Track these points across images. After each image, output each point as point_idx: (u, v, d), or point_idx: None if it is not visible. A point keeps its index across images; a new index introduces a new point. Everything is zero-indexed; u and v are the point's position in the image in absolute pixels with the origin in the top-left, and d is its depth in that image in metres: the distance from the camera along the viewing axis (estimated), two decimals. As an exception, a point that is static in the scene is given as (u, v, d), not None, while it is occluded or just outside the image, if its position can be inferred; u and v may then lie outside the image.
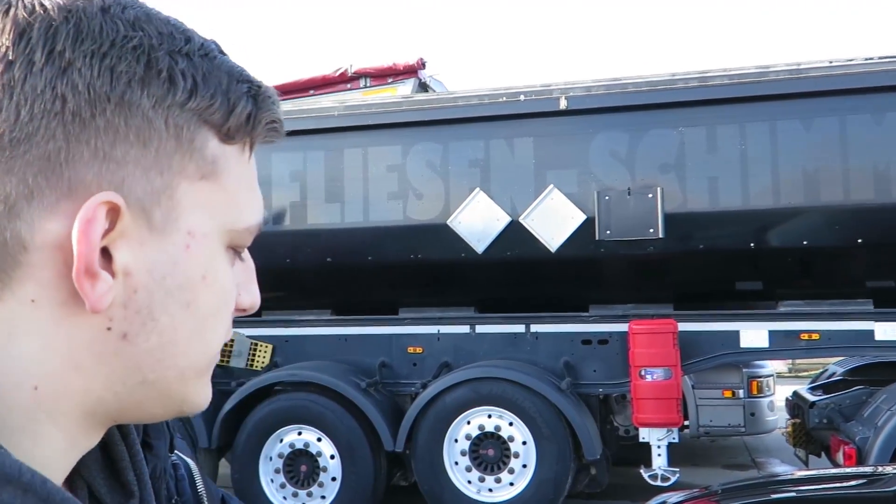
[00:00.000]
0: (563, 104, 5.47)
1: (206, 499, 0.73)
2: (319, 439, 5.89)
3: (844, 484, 3.53)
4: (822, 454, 5.81)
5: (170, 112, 0.55)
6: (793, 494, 3.52)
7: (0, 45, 0.52)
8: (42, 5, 0.53)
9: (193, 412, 0.62)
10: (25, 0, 0.53)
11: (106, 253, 0.53)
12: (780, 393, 7.15)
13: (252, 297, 0.64)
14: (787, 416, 6.47)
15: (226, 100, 0.57)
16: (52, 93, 0.52)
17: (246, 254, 0.64)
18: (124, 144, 0.53)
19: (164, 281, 0.56)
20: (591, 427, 5.57)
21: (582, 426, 5.48)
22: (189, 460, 0.76)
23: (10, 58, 0.52)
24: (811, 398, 5.86)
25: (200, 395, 0.62)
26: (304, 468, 5.90)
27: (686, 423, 6.50)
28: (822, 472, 4.40)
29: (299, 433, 5.94)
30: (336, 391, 5.85)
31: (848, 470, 4.68)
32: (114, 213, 0.53)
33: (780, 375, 7.45)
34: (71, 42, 0.52)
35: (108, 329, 0.55)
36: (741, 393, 6.54)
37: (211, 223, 0.58)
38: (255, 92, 0.59)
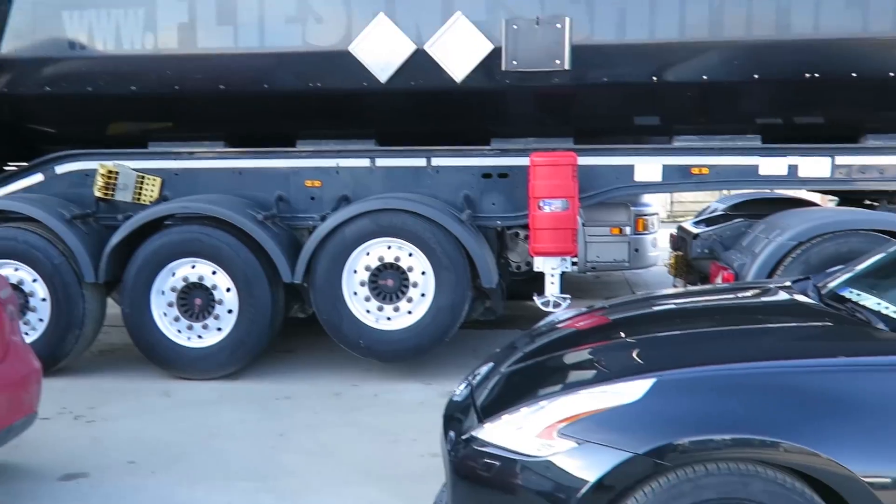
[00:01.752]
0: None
1: None
2: (214, 272, 5.77)
3: (719, 295, 3.78)
4: (700, 283, 6.20)
5: None
6: (672, 306, 3.75)
7: None
8: None
9: None
10: None
11: None
12: (662, 233, 7.53)
13: None
14: (671, 250, 6.85)
15: None
16: None
17: None
18: None
19: None
20: (489, 257, 5.70)
21: (480, 256, 5.59)
22: None
23: None
24: (695, 230, 6.20)
25: None
26: (198, 301, 5.80)
27: (575, 259, 6.75)
28: (697, 288, 4.70)
29: (193, 266, 5.79)
30: (231, 224, 5.70)
31: (722, 285, 5.04)
32: None
33: (660, 222, 7.83)
34: None
35: None
36: (627, 230, 6.85)
37: None
38: None
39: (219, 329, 5.78)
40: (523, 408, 2.53)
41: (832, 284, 3.27)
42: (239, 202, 5.89)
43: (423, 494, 3.59)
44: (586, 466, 2.28)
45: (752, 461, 2.22)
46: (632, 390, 2.37)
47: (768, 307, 3.33)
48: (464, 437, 2.64)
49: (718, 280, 5.49)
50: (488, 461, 2.48)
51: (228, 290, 5.76)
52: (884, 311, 2.79)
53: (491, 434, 2.53)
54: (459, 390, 3.10)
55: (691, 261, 6.15)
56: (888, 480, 2.15)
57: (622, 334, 3.04)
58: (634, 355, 2.73)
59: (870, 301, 2.93)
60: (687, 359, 2.61)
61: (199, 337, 5.81)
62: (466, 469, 2.56)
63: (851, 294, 3.06)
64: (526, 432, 2.43)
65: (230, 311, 5.76)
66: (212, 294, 5.78)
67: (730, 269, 5.42)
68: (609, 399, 2.37)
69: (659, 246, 7.37)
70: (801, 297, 3.21)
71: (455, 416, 2.88)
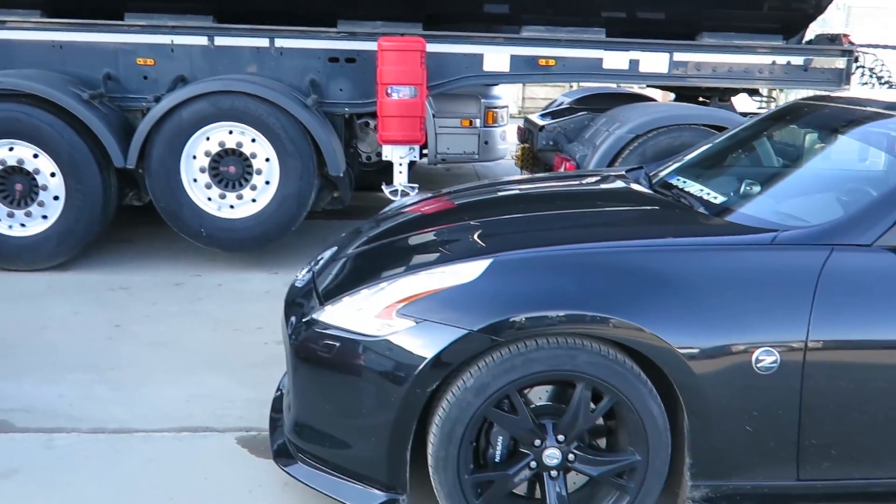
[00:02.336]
0: None
1: None
2: (36, 156, 5.31)
3: (560, 182, 3.89)
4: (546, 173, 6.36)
5: None
6: (515, 192, 3.82)
7: None
8: None
9: None
10: None
11: None
12: (512, 127, 7.62)
13: None
14: (518, 143, 6.96)
15: None
16: None
17: None
18: None
19: None
20: (336, 144, 5.57)
21: (327, 143, 5.45)
22: None
23: None
24: (541, 123, 6.31)
25: None
26: (19, 187, 5.35)
27: (425, 151, 6.73)
28: (540, 175, 4.80)
29: (11, 149, 5.30)
30: (53, 102, 5.23)
31: (563, 173, 5.19)
32: None
33: (511, 117, 7.92)
34: None
35: None
36: (478, 122, 6.86)
37: None
38: None
39: (44, 217, 5.39)
40: (364, 290, 2.52)
41: (662, 173, 3.43)
42: (60, 79, 5.40)
43: (266, 380, 3.58)
44: (424, 345, 2.32)
45: (581, 336, 2.33)
46: (469, 270, 2.40)
47: (603, 193, 3.46)
48: (305, 320, 2.61)
49: (562, 171, 5.65)
50: (329, 343, 2.48)
51: (53, 174, 5.34)
52: (705, 197, 2.97)
53: (331, 316, 2.52)
54: (301, 275, 3.06)
55: (537, 152, 6.28)
56: (697, 351, 2.33)
57: (465, 217, 3.07)
58: (475, 237, 2.76)
59: (694, 188, 3.10)
60: (525, 240, 2.67)
61: (23, 225, 5.39)
62: (307, 352, 2.55)
63: (678, 181, 3.23)
64: (366, 313, 2.44)
65: (56, 198, 5.36)
66: (34, 179, 5.34)
67: (572, 161, 5.58)
68: (447, 279, 2.40)
69: (508, 139, 7.48)
70: (634, 185, 3.35)
71: (297, 302, 2.84)
